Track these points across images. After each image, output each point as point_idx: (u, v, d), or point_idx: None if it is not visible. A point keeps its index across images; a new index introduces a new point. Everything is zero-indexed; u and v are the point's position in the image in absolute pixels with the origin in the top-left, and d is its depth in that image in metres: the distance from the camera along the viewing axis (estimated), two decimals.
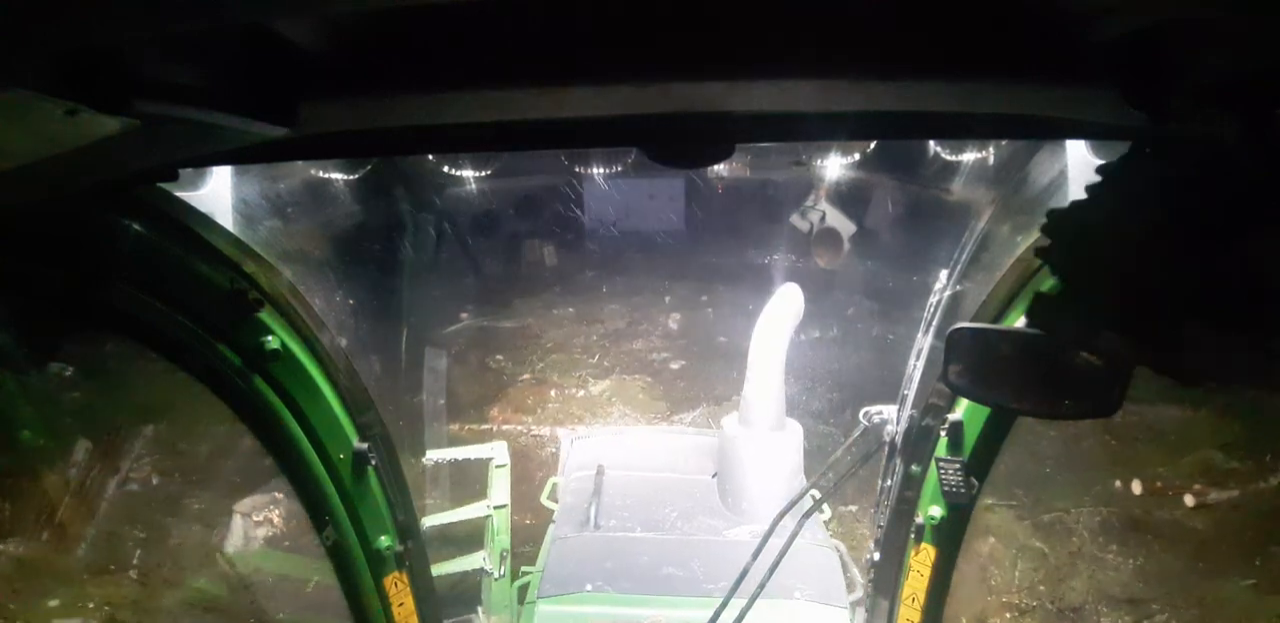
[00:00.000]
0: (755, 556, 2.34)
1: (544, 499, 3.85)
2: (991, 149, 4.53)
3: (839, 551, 3.08)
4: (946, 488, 1.98)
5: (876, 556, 2.43)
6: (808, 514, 2.45)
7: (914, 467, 2.20)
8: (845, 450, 2.51)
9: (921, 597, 2.22)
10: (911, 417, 2.26)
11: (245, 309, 1.62)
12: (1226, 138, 0.80)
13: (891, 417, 2.38)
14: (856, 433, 2.45)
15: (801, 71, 0.88)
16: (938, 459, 2.02)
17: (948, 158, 5.25)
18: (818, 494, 2.75)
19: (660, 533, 3.17)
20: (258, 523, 5.79)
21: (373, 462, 1.92)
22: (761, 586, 2.24)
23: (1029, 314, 1.15)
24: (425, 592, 2.24)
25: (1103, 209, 0.91)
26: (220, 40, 0.76)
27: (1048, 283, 1.67)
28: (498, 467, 3.92)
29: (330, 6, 0.71)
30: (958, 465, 1.98)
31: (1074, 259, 0.95)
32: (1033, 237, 1.75)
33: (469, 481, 4.84)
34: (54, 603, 5.18)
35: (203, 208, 1.54)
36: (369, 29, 0.84)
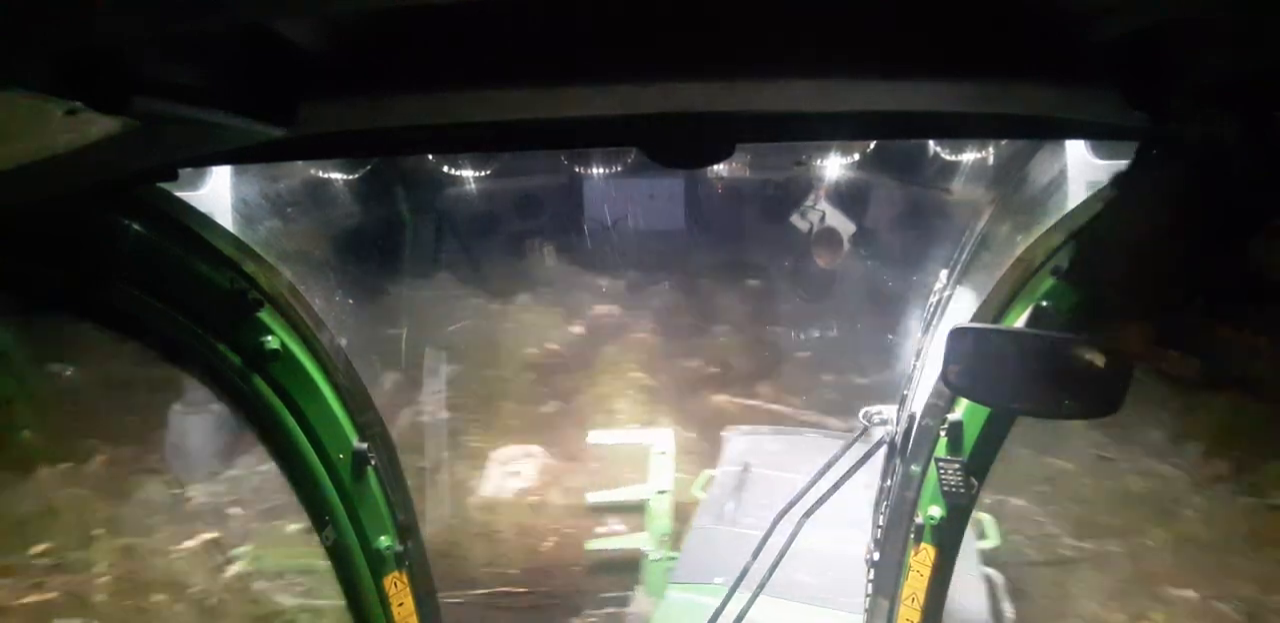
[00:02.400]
0: (755, 556, 2.34)
1: (695, 490, 3.94)
2: (991, 149, 4.52)
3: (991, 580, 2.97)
4: (946, 488, 1.98)
5: (876, 556, 2.43)
6: (808, 514, 2.45)
7: (914, 467, 2.20)
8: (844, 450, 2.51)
9: (921, 597, 2.22)
10: (911, 417, 2.26)
11: (245, 309, 1.62)
12: (1226, 138, 0.80)
13: (891, 417, 2.38)
14: (857, 433, 2.45)
15: (801, 71, 0.88)
16: (938, 459, 2.02)
17: (948, 158, 5.25)
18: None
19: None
20: (510, 474, 5.71)
21: (373, 462, 1.92)
22: (761, 586, 2.24)
23: (1037, 321, 1.15)
24: (425, 592, 2.24)
25: (1113, 219, 0.92)
26: (220, 40, 0.76)
27: (1047, 283, 1.67)
28: (659, 454, 4.09)
29: (330, 6, 0.71)
30: (958, 465, 1.98)
31: (1092, 272, 0.95)
32: (1033, 237, 1.75)
33: None
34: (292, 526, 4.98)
35: (203, 208, 1.54)
36: (369, 29, 0.84)
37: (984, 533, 3.23)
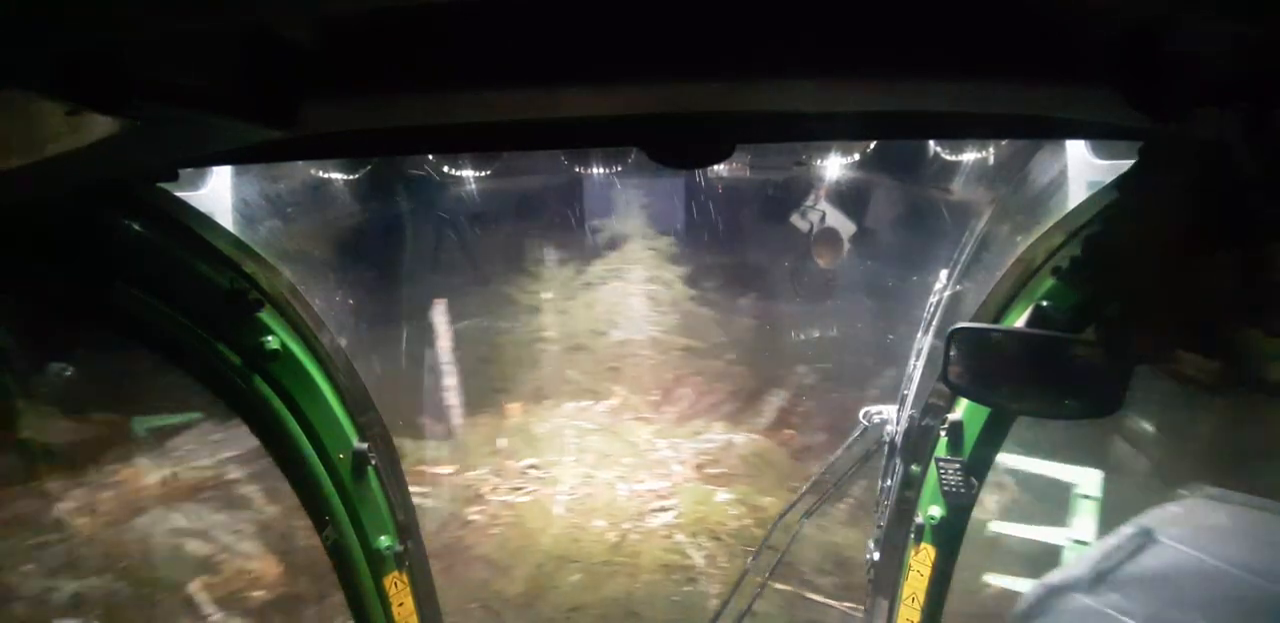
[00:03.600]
0: (755, 556, 2.34)
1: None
2: (991, 149, 4.51)
3: None
4: (946, 488, 1.98)
5: (876, 556, 2.43)
6: (809, 514, 2.45)
7: (914, 467, 2.20)
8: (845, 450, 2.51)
9: (921, 597, 2.22)
10: (911, 417, 2.26)
11: (245, 309, 1.62)
12: (1226, 138, 0.80)
13: (891, 417, 2.39)
14: (856, 433, 2.46)
15: (801, 71, 0.88)
16: (938, 459, 2.02)
17: (948, 158, 5.24)
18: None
19: None
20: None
21: (373, 462, 1.92)
22: (761, 586, 2.24)
23: (1039, 322, 1.15)
24: (425, 592, 2.24)
25: (1117, 220, 0.91)
26: (220, 40, 0.76)
27: (1047, 283, 1.67)
28: (1083, 497, 3.44)
29: (330, 6, 0.71)
30: (958, 465, 1.98)
31: (1097, 273, 0.95)
32: (1033, 237, 1.75)
33: None
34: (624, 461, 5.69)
35: (203, 208, 1.54)
36: (369, 29, 0.84)
37: None
